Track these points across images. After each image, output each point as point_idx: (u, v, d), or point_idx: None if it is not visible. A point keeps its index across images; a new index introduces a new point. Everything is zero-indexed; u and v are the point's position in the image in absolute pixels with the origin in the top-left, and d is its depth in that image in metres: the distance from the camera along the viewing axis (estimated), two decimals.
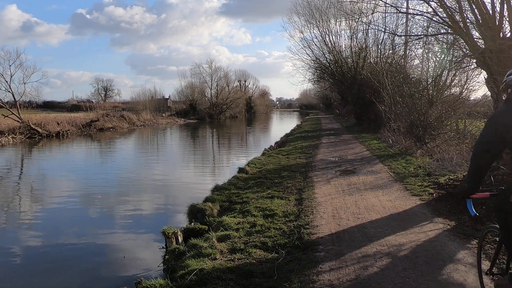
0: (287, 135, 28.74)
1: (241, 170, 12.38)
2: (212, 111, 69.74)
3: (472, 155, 3.28)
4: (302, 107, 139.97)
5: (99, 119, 42.38)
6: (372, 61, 27.86)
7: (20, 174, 16.97)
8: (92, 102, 70.46)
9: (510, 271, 3.26)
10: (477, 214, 3.38)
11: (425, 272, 4.50)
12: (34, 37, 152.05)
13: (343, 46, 31.40)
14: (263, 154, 17.28)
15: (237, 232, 6.26)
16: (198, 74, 71.91)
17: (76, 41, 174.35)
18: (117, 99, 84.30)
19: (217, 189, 10.08)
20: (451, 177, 9.29)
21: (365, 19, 18.58)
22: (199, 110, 68.73)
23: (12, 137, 30.63)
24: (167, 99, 76.68)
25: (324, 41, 31.01)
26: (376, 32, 26.55)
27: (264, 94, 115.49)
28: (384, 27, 21.45)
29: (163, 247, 6.96)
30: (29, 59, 59.04)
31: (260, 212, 7.32)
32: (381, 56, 26.77)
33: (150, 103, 62.26)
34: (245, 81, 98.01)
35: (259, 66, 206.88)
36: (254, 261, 5.10)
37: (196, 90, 72.00)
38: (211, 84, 72.31)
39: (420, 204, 7.54)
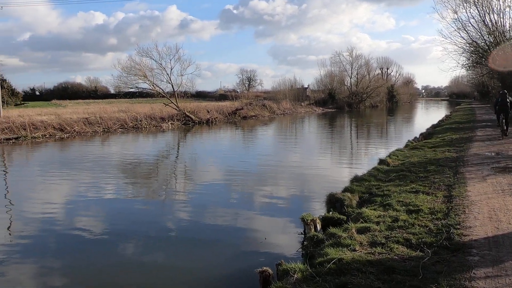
0: (434, 126, 26.48)
1: (382, 161, 11.88)
2: (351, 100, 68.29)
3: None
4: (452, 95, 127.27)
5: (243, 108, 45.26)
6: None
7: (177, 156, 19.22)
8: (237, 91, 75.30)
9: None
10: None
11: None
12: (189, 33, 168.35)
13: (507, 25, 27.35)
14: (406, 145, 16.28)
15: (377, 225, 6.04)
16: (337, 62, 71.07)
17: (224, 35, 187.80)
18: (259, 88, 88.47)
19: (356, 179, 9.86)
20: None
21: None
22: (338, 99, 67.92)
23: (171, 123, 34.80)
24: (306, 88, 77.61)
25: (483, 21, 27.44)
26: None
27: (408, 82, 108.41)
28: None
29: (301, 233, 7.12)
30: (185, 53, 65.96)
31: (403, 207, 6.93)
32: None
33: (289, 92, 63.91)
34: (387, 69, 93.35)
35: (403, 52, 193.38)
36: (396, 257, 4.86)
37: (335, 79, 71.23)
38: (351, 73, 70.88)
39: None
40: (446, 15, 37.52)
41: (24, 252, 6.97)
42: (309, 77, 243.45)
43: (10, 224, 8.66)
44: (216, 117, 39.51)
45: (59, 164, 16.52)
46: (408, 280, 4.21)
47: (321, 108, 62.24)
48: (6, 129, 25.52)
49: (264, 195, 10.63)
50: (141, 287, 5.61)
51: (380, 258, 4.84)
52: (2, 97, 43.64)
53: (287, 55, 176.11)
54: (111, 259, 6.55)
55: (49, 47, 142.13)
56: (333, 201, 8.07)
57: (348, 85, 71.27)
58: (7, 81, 63.82)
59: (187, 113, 36.94)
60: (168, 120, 35.14)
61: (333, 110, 61.65)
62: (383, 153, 15.80)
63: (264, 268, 4.82)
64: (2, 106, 39.04)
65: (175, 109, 37.11)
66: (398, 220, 6.20)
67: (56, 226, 8.37)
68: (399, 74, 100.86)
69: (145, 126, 32.81)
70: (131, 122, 32.52)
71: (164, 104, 37.61)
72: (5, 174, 14.87)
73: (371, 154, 17.15)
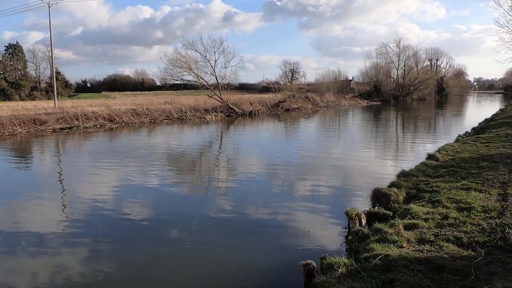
0: (486, 121, 25.17)
1: (430, 156, 11.46)
2: (398, 92, 66.23)
3: None
4: (507, 88, 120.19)
5: (286, 100, 45.09)
6: None
7: (220, 147, 19.49)
8: (280, 84, 74.96)
9: None
10: None
11: None
12: (233, 25, 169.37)
13: None
14: (457, 140, 15.60)
15: (426, 222, 5.85)
16: (384, 54, 69.00)
17: (267, 27, 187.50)
18: (302, 81, 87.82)
19: (403, 174, 9.57)
20: None
21: None
22: (384, 92, 66.12)
23: (215, 114, 35.29)
24: (350, 80, 76.04)
25: None
26: None
27: (459, 74, 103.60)
28: None
29: (345, 227, 7.03)
30: (229, 45, 66.58)
31: (454, 204, 6.66)
32: None
33: (333, 84, 62.91)
34: (436, 60, 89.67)
35: (454, 43, 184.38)
36: (446, 255, 4.69)
37: (381, 71, 69.30)
38: (398, 64, 68.61)
39: None
40: (503, 2, 35.17)
41: (74, 234, 7.35)
42: (353, 69, 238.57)
43: (63, 207, 9.17)
44: (259, 109, 39.60)
45: (109, 152, 17.24)
46: (459, 280, 4.06)
47: (366, 101, 60.79)
48: (61, 119, 26.89)
49: (306, 188, 10.56)
50: (182, 276, 5.76)
51: (429, 256, 4.69)
52: (57, 89, 46.03)
53: (331, 47, 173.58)
54: (154, 246, 6.75)
55: (99, 41, 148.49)
56: (378, 196, 7.88)
57: (395, 77, 69.13)
58: (61, 74, 67.57)
59: (230, 105, 37.28)
60: (211, 112, 35.65)
61: (378, 103, 60.07)
62: (431, 148, 15.25)
63: (308, 261, 4.80)
64: (57, 97, 41.16)
65: (219, 101, 37.55)
66: (448, 218, 5.98)
67: (104, 210, 8.76)
68: (450, 66, 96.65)
69: (189, 117, 33.48)
70: (176, 114, 33.28)
71: (208, 96, 38.15)
72: (59, 162, 15.73)
73: (418, 149, 16.58)
